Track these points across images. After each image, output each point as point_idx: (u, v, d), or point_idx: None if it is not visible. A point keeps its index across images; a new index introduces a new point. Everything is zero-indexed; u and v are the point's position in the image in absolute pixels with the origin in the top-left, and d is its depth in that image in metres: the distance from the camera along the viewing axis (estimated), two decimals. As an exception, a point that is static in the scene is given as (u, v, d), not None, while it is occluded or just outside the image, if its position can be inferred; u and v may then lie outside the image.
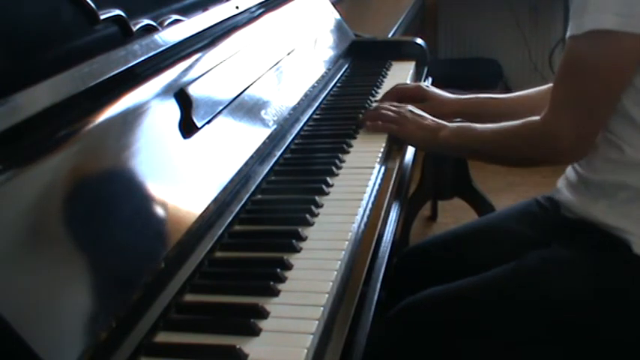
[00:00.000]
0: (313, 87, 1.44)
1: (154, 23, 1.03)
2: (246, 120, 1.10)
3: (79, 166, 0.74)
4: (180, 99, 0.95)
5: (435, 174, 2.48)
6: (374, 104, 1.41)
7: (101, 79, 0.82)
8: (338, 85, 1.59)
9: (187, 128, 0.93)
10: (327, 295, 0.78)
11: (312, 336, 0.71)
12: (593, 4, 0.98)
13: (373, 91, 1.53)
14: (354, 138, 1.28)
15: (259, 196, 1.03)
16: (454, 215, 2.68)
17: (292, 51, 1.42)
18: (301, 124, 1.29)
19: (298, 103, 1.32)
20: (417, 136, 1.26)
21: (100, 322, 0.64)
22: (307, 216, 0.96)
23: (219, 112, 1.02)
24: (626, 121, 1.04)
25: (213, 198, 0.90)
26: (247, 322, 0.72)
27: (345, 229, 0.93)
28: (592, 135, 1.06)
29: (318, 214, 0.98)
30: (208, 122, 0.98)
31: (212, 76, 1.06)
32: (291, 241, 0.89)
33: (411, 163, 1.38)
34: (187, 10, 1.15)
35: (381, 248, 1.01)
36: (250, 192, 1.00)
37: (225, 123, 1.03)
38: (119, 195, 0.76)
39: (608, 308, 1.02)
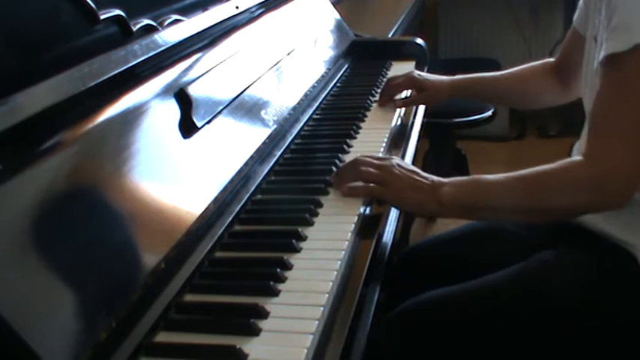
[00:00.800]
0: (313, 87, 1.44)
1: (154, 23, 1.03)
2: (246, 120, 1.10)
3: (79, 166, 0.74)
4: (180, 99, 0.95)
5: (435, 173, 2.48)
6: (346, 159, 1.13)
7: (101, 79, 0.82)
8: (338, 85, 1.59)
9: (187, 128, 0.93)
10: (327, 295, 0.78)
11: (312, 336, 0.71)
12: None
13: (373, 91, 1.53)
14: (354, 138, 1.28)
15: (259, 196, 1.03)
16: (454, 215, 2.67)
17: (292, 51, 1.42)
18: (301, 124, 1.29)
19: (298, 103, 1.32)
20: (411, 200, 1.01)
21: (100, 322, 0.64)
22: (307, 216, 0.96)
23: (219, 112, 1.02)
24: None
25: (213, 198, 0.90)
26: (247, 322, 0.72)
27: (344, 229, 0.93)
28: None
29: (318, 214, 0.98)
30: (208, 122, 0.98)
31: (212, 76, 1.06)
32: (291, 241, 0.89)
33: (411, 162, 1.38)
34: (187, 10, 1.15)
35: (381, 248, 1.01)
36: (250, 192, 1.00)
37: (225, 123, 1.03)
38: (119, 195, 0.76)
39: (613, 313, 1.02)
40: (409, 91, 1.52)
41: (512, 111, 3.34)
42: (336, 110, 1.43)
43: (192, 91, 0.97)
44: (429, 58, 1.82)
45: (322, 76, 1.52)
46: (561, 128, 3.43)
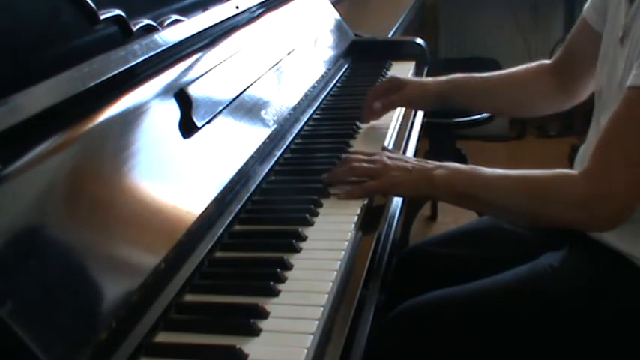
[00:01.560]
0: (313, 87, 1.44)
1: (154, 23, 1.03)
2: (246, 120, 1.10)
3: (79, 166, 0.74)
4: (180, 99, 0.95)
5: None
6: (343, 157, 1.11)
7: (101, 79, 0.82)
8: (338, 85, 1.59)
9: (187, 128, 0.93)
10: (327, 295, 0.78)
11: (312, 336, 0.71)
12: None
13: (373, 91, 1.53)
14: (354, 138, 1.28)
15: (259, 196, 1.03)
16: (454, 215, 2.68)
17: (292, 51, 1.42)
18: (301, 124, 1.29)
19: (298, 103, 1.32)
20: (406, 183, 1.02)
21: (100, 322, 0.64)
22: (307, 216, 0.96)
23: (219, 112, 1.02)
24: None
25: (213, 198, 0.90)
26: (247, 322, 0.72)
27: (345, 229, 0.93)
28: None
29: (318, 214, 0.98)
30: (208, 122, 0.98)
31: (212, 76, 1.06)
32: (291, 241, 0.89)
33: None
34: (187, 10, 1.15)
35: (381, 248, 1.01)
36: (250, 192, 1.00)
37: (225, 123, 1.03)
38: (119, 195, 0.76)
39: (619, 318, 1.01)
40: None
41: (512, 111, 3.34)
42: (336, 110, 1.43)
43: (192, 91, 0.97)
44: (429, 58, 1.82)
45: (322, 76, 1.52)
46: (561, 128, 3.44)
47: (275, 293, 0.78)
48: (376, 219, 1.02)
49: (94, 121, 0.79)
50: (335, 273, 0.82)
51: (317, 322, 0.73)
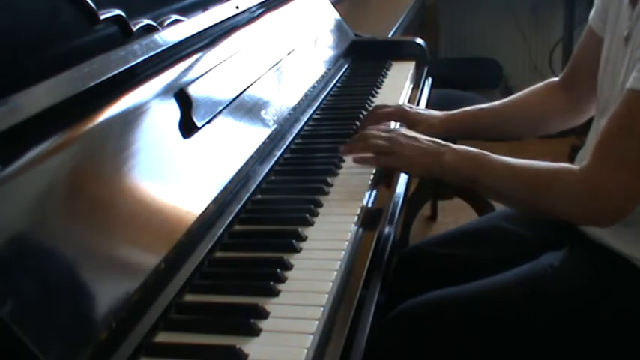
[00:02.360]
0: (313, 87, 1.44)
1: (154, 23, 1.03)
2: (246, 120, 1.10)
3: (79, 166, 0.74)
4: (180, 99, 0.95)
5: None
6: (347, 159, 1.15)
7: (101, 79, 0.82)
8: (338, 85, 1.59)
9: (187, 128, 0.93)
10: (327, 295, 0.78)
11: (312, 336, 0.71)
12: None
13: (373, 91, 1.53)
14: (354, 138, 1.28)
15: (259, 196, 1.03)
16: (454, 215, 2.68)
17: (292, 51, 1.42)
18: (301, 124, 1.29)
19: (298, 103, 1.32)
20: (419, 165, 1.09)
21: (100, 322, 0.64)
22: (307, 216, 0.96)
23: (219, 112, 1.02)
24: None
25: (213, 198, 0.90)
26: (247, 322, 0.72)
27: (345, 229, 0.93)
28: None
29: (318, 214, 0.98)
30: (208, 122, 0.98)
31: (212, 76, 1.06)
32: (291, 241, 0.89)
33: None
34: (187, 10, 1.15)
35: (381, 248, 1.01)
36: (250, 192, 1.00)
37: (225, 123, 1.03)
38: (119, 195, 0.76)
39: (620, 318, 1.01)
40: (397, 124, 1.33)
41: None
42: (336, 110, 1.43)
43: (192, 91, 0.97)
44: (429, 58, 1.82)
45: (322, 76, 1.52)
46: (561, 128, 3.43)
47: (275, 293, 0.78)
48: (376, 219, 1.02)
49: (94, 121, 0.79)
50: (335, 273, 0.82)
51: (317, 322, 0.73)
